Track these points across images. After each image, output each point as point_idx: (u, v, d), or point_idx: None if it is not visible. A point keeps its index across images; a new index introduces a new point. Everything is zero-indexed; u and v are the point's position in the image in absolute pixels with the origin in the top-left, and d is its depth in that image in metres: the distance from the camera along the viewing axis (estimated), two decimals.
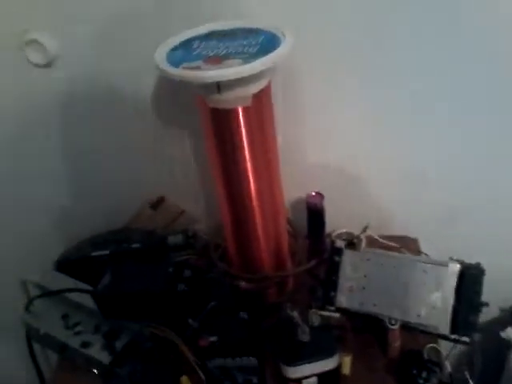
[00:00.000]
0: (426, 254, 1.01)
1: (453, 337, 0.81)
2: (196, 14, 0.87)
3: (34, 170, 1.11)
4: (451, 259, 0.83)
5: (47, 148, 1.09)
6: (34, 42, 0.92)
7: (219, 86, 0.72)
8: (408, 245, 1.04)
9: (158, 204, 1.10)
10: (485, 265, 0.82)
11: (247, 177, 0.82)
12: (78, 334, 0.84)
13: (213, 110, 0.77)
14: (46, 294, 0.89)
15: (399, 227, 1.09)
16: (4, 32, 0.93)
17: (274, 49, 0.72)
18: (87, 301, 0.85)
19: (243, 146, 0.79)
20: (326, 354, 0.73)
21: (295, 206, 1.09)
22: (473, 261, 0.83)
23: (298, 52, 0.75)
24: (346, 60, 0.92)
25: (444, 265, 0.82)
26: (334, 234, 1.06)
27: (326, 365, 0.74)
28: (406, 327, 0.83)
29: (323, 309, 0.85)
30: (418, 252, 1.03)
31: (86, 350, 0.81)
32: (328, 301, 0.85)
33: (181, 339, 0.80)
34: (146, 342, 0.82)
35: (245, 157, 0.80)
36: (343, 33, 0.89)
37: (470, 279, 0.81)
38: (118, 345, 0.81)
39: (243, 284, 0.88)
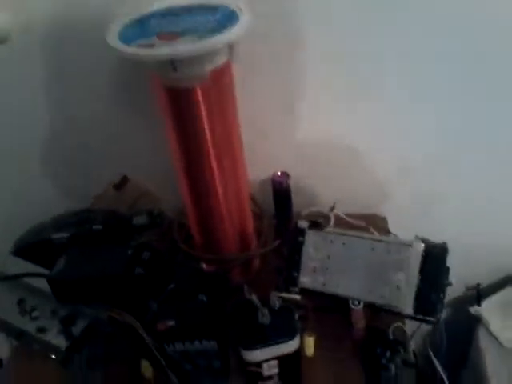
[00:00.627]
0: (394, 235, 1.00)
1: (417, 316, 0.80)
2: None
3: None
4: (416, 238, 0.82)
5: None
6: None
7: (174, 64, 0.69)
8: (376, 223, 1.03)
9: (121, 184, 1.07)
10: (452, 244, 0.81)
11: (208, 157, 0.79)
12: (34, 319, 0.82)
13: (169, 90, 0.75)
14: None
15: (370, 207, 1.08)
16: None
17: (231, 26, 0.69)
18: (44, 285, 0.82)
19: (203, 126, 0.76)
20: (286, 336, 0.72)
21: (263, 187, 1.07)
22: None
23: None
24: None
25: (408, 244, 0.81)
26: (302, 213, 1.05)
27: (287, 347, 0.72)
28: (372, 307, 0.82)
29: (287, 290, 0.84)
30: (385, 231, 1.01)
31: (43, 336, 0.79)
32: (291, 281, 0.84)
33: (139, 323, 0.78)
34: (105, 326, 0.80)
35: (205, 137, 0.78)
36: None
37: (433, 258, 0.80)
38: (76, 330, 0.79)
39: (205, 266, 0.86)
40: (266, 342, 0.71)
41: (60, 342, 0.78)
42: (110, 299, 0.79)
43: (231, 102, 0.81)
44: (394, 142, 1.02)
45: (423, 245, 0.80)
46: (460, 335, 1.13)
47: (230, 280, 0.91)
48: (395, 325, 0.83)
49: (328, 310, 0.86)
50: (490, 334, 1.13)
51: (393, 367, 0.78)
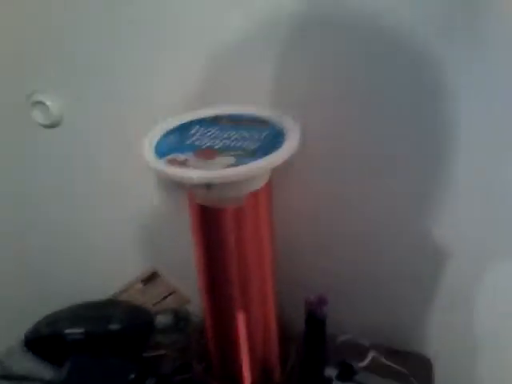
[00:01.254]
0: None
1: None
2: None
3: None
4: None
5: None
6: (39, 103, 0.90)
7: (208, 185, 0.63)
8: (419, 367, 0.90)
9: (149, 279, 1.02)
10: None
11: (230, 284, 0.72)
12: None
13: (201, 205, 0.68)
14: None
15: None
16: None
17: (275, 149, 0.63)
18: None
19: (231, 251, 0.70)
20: None
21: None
22: None
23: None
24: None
25: None
26: (337, 341, 0.94)
27: None
28: None
29: None
30: (429, 380, 0.88)
31: None
32: None
33: None
34: None
35: (231, 262, 0.71)
36: None
37: None
38: None
39: None
40: None
41: None
42: None
43: (266, 219, 0.73)
44: None
45: None
46: None
47: None
48: None
49: None
50: None
51: None
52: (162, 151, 0.66)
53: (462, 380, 0.87)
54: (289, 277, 0.86)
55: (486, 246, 0.81)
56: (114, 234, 1.03)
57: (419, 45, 0.68)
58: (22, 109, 0.92)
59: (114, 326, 0.90)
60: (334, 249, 0.91)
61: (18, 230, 1.11)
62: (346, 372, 0.75)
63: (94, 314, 0.93)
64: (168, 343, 0.95)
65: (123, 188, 0.97)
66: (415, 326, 0.96)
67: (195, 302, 1.03)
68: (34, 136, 0.96)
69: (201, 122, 0.74)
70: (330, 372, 0.75)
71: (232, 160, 0.62)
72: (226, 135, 0.69)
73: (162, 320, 0.98)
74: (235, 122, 0.73)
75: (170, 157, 0.64)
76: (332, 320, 0.86)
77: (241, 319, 0.75)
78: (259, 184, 0.67)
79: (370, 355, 0.90)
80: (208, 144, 0.67)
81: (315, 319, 0.83)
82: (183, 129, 0.72)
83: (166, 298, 1.03)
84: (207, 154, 0.65)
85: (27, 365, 0.83)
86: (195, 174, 0.60)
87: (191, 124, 0.73)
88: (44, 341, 0.89)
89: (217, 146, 0.66)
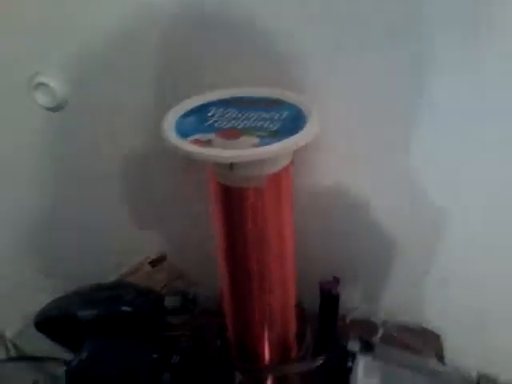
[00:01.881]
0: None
1: None
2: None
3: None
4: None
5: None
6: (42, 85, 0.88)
7: (231, 165, 0.63)
8: (430, 342, 0.92)
9: (158, 261, 1.01)
10: None
11: (250, 262, 0.73)
12: None
13: (222, 185, 0.68)
14: (15, 358, 0.80)
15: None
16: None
17: (297, 129, 0.63)
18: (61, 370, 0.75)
19: (251, 230, 0.70)
20: None
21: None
22: None
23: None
24: None
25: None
26: (347, 319, 0.96)
27: None
28: None
29: None
30: (440, 356, 0.90)
31: None
32: None
33: None
34: None
35: (252, 240, 0.71)
36: None
37: None
38: None
39: (238, 375, 0.78)
40: None
41: None
42: None
43: (287, 200, 0.73)
44: None
45: None
46: None
47: None
48: None
49: None
50: None
51: None
52: (183, 132, 0.65)
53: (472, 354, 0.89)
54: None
55: None
56: (121, 218, 1.02)
57: None
58: (24, 91, 0.90)
59: (126, 309, 0.90)
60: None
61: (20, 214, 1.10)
62: (366, 346, 0.77)
63: (105, 296, 0.93)
64: (179, 324, 0.95)
65: (130, 173, 0.96)
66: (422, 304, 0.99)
67: (203, 284, 1.04)
68: (37, 119, 0.94)
69: (216, 104, 0.73)
70: (353, 346, 0.76)
71: (256, 140, 0.62)
72: (245, 116, 0.69)
73: (170, 302, 0.97)
74: (251, 103, 0.72)
75: (192, 138, 0.64)
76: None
77: (261, 298, 0.76)
78: (281, 165, 0.67)
79: (381, 331, 0.92)
80: (229, 125, 0.67)
81: (330, 296, 0.85)
82: (199, 111, 0.71)
83: (173, 281, 1.02)
84: (231, 134, 0.64)
85: (41, 347, 0.83)
86: (224, 153, 0.60)
87: (207, 106, 0.72)
88: (56, 323, 0.87)
89: (239, 127, 0.66)
